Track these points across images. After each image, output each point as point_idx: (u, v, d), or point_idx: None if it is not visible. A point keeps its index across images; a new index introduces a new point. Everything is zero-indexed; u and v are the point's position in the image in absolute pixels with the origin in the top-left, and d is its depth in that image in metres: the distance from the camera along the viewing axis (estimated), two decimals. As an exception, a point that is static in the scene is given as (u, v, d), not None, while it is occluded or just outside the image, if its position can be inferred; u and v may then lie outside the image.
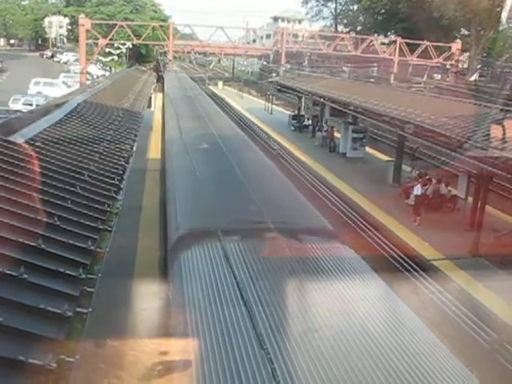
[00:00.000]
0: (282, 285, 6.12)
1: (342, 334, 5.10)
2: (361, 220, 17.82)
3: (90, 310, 5.27)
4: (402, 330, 5.47)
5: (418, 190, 18.51)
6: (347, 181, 22.55)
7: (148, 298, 8.11)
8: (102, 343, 5.61)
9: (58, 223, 6.72)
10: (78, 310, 5.17)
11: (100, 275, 5.95)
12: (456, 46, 53.65)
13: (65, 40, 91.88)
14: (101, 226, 7.27)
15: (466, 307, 11.89)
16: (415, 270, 14.00)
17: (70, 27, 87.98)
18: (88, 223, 7.17)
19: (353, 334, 5.16)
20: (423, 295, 12.77)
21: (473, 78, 48.98)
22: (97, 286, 5.71)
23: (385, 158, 26.89)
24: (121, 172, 10.30)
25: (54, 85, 46.94)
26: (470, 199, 17.81)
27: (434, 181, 19.86)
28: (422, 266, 14.20)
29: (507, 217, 17.97)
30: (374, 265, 7.34)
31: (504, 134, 14.42)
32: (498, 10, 51.79)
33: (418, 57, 52.95)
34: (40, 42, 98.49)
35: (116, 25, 51.83)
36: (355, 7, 78.09)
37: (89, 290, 5.59)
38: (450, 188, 19.51)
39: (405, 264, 14.28)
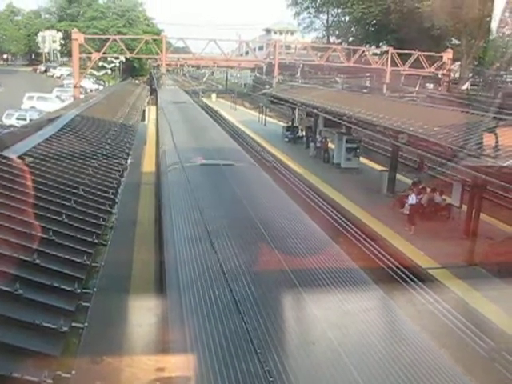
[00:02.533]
0: (279, 297, 6.10)
1: (339, 345, 5.07)
2: (356, 230, 17.83)
3: (86, 324, 5.22)
4: (400, 340, 5.45)
5: (412, 199, 18.57)
6: (342, 191, 22.60)
7: (144, 313, 8.06)
8: (98, 359, 5.56)
9: (52, 238, 6.69)
10: (74, 324, 5.12)
11: (95, 290, 5.91)
12: (447, 55, 54.02)
13: (58, 54, 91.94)
14: (96, 241, 7.23)
15: (463, 316, 11.88)
16: (411, 279, 13.99)
17: (63, 42, 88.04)
18: (83, 238, 7.13)
19: (351, 345, 5.14)
20: (420, 304, 12.75)
21: (465, 87, 49.29)
22: (92, 300, 5.67)
23: (379, 167, 26.97)
24: (115, 186, 10.26)
25: (48, 99, 46.93)
26: (465, 207, 17.87)
27: (428, 190, 19.92)
28: (418, 275, 14.20)
29: (501, 224, 18.03)
30: (369, 274, 7.33)
31: (497, 142, 14.50)
32: (488, 19, 52.25)
33: (409, 67, 53.23)
34: (33, 56, 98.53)
35: (109, 39, 51.92)
36: (347, 18, 78.58)
37: (84, 304, 5.55)
38: (444, 196, 19.56)
39: (401, 273, 14.27)
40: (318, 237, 8.76)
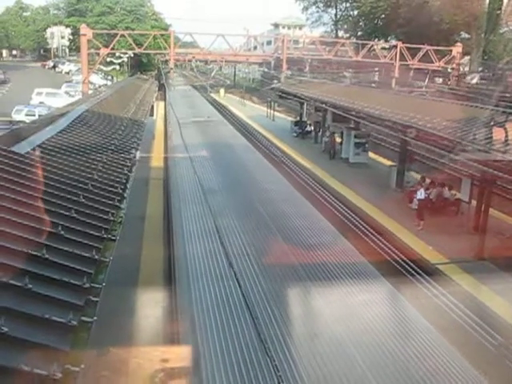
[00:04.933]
0: (287, 290, 6.09)
1: (348, 338, 5.07)
2: (364, 225, 17.79)
3: (95, 318, 5.26)
4: (410, 333, 5.44)
5: (421, 194, 18.49)
6: (350, 186, 22.55)
7: (152, 307, 8.10)
8: (105, 350, 5.59)
9: (61, 233, 6.72)
10: (83, 319, 5.16)
11: (104, 284, 5.95)
12: (457, 49, 53.65)
13: (66, 50, 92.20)
14: (105, 235, 7.27)
15: (471, 310, 11.84)
16: (419, 273, 13.96)
17: (71, 37, 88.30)
18: (92, 232, 7.16)
19: (360, 338, 5.14)
20: (427, 298, 12.72)
21: (474, 81, 48.97)
22: (101, 295, 5.70)
23: (388, 162, 26.87)
24: (124, 181, 10.29)
25: (57, 95, 47.13)
26: (474, 202, 17.78)
27: (437, 184, 19.83)
28: (427, 270, 14.17)
29: (511, 219, 17.92)
30: (378, 268, 7.31)
31: (506, 136, 14.41)
32: (498, 12, 51.87)
33: (419, 61, 52.94)
34: (42, 52, 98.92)
35: (117, 34, 51.99)
36: (355, 13, 78.28)
37: (93, 299, 5.59)
38: (453, 191, 19.47)
39: (409, 268, 14.24)
40: (327, 230, 8.77)
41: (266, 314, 5.37)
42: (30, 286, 5.21)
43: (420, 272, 14.03)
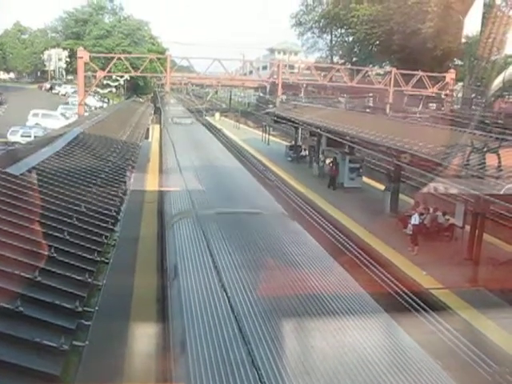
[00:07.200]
0: (283, 321, 5.97)
1: (343, 369, 4.97)
2: (358, 250, 17.77)
3: (87, 343, 5.19)
4: (405, 360, 5.35)
5: (415, 219, 18.52)
6: (345, 211, 22.56)
7: (145, 333, 8.01)
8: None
9: (54, 255, 6.68)
10: (75, 343, 5.10)
11: (97, 308, 5.88)
12: (450, 75, 54.29)
13: (63, 72, 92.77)
14: (98, 258, 7.22)
15: (466, 337, 11.77)
16: (414, 300, 13.91)
17: (68, 60, 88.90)
18: (85, 255, 7.12)
19: (356, 370, 5.03)
20: (423, 325, 12.66)
21: (461, 106, 49.41)
22: (94, 319, 5.64)
23: (381, 187, 26.96)
24: (118, 203, 10.28)
25: (53, 116, 47.28)
26: (467, 227, 17.81)
27: (431, 210, 19.89)
28: (421, 296, 14.12)
29: (505, 245, 17.94)
30: (371, 294, 7.26)
31: (499, 162, 14.51)
32: (490, 40, 52.61)
33: (412, 87, 53.52)
34: (39, 74, 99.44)
35: (114, 57, 52.35)
36: (350, 39, 79.33)
37: (85, 323, 5.52)
38: (447, 216, 19.51)
39: (403, 294, 14.19)
40: (320, 257, 8.71)
41: (264, 351, 5.22)
42: (22, 309, 5.15)
43: (414, 298, 13.98)
